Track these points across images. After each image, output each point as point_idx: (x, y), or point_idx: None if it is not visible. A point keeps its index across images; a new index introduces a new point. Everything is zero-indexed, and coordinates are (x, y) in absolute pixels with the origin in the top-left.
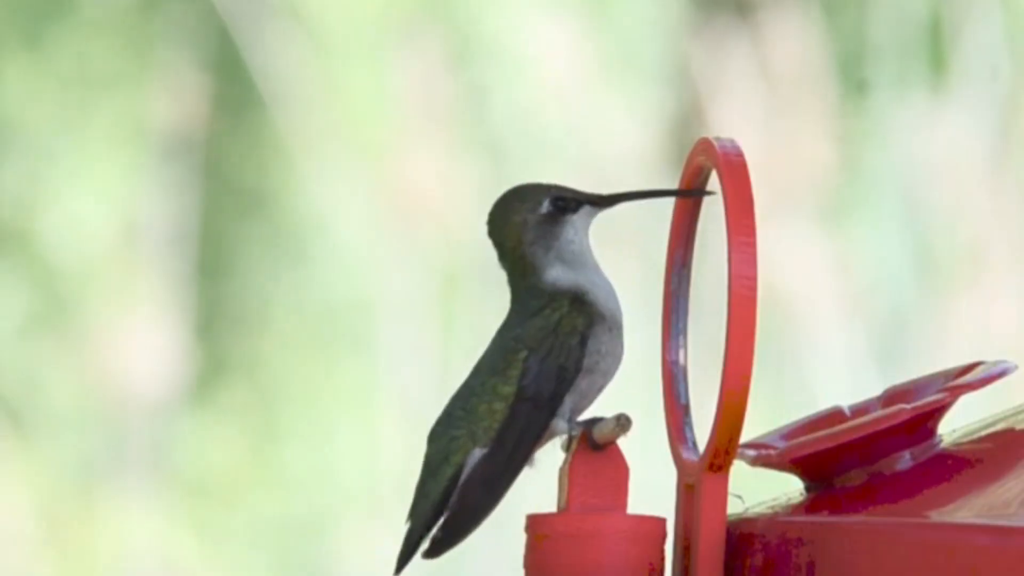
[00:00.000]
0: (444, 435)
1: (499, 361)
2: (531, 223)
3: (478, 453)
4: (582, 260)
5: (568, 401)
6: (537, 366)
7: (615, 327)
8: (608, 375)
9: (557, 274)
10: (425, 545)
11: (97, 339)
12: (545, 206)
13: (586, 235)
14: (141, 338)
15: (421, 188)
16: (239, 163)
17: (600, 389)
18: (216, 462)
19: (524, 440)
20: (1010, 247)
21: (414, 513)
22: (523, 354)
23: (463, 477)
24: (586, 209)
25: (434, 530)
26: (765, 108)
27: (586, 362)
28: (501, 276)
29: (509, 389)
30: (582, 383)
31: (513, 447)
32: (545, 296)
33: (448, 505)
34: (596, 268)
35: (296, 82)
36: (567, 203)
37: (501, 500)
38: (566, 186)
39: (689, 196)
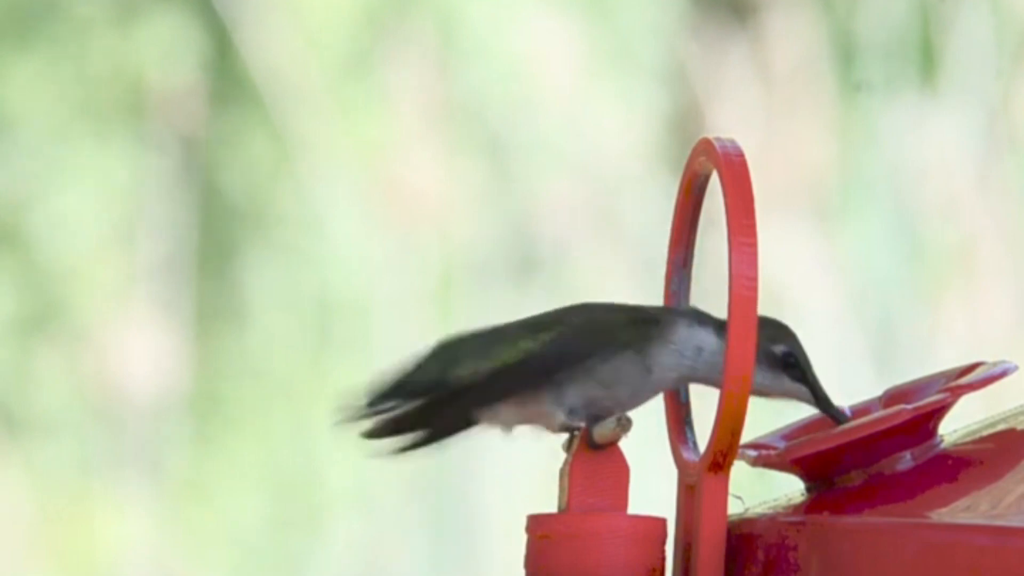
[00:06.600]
0: (452, 350)
1: (541, 324)
2: (761, 354)
3: (468, 377)
4: (700, 367)
5: (572, 393)
6: (564, 341)
7: (649, 381)
8: (616, 402)
9: (683, 332)
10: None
11: (93, 339)
12: (780, 350)
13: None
14: (137, 338)
15: (418, 187)
16: (236, 162)
17: (601, 408)
18: (211, 462)
19: (508, 388)
20: (1002, 246)
21: (374, 390)
22: (562, 328)
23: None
24: (796, 387)
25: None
26: (762, 108)
27: (602, 369)
28: (497, 276)
29: (531, 346)
30: (589, 384)
31: (497, 387)
32: (635, 311)
33: (416, 405)
34: (687, 371)
35: (293, 81)
36: (795, 369)
37: (454, 431)
38: (811, 365)
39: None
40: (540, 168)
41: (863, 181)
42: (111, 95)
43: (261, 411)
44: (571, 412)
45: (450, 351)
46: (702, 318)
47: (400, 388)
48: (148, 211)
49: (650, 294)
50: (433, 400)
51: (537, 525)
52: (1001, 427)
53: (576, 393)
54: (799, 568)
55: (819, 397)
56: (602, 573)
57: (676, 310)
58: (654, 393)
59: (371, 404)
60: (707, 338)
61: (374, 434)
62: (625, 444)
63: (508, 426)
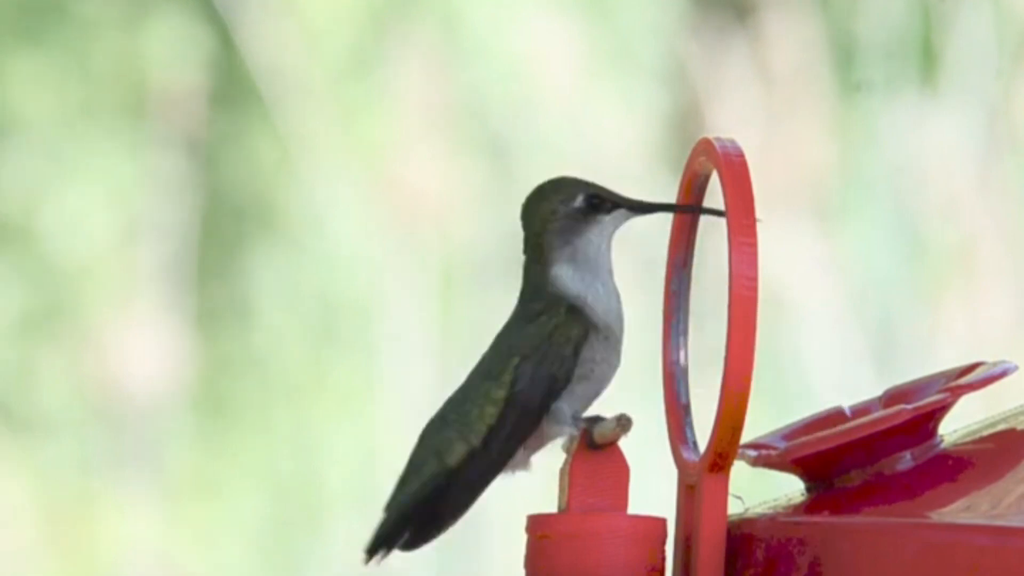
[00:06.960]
0: (436, 435)
1: (494, 366)
2: (560, 214)
3: (465, 453)
4: (596, 263)
5: (566, 407)
6: (530, 373)
7: (611, 336)
8: (603, 382)
9: (564, 273)
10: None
11: (95, 338)
12: (579, 200)
13: (609, 239)
14: (139, 337)
15: (419, 187)
16: (238, 162)
17: (596, 395)
18: (213, 461)
19: (509, 444)
20: (1002, 246)
21: (391, 505)
22: (516, 360)
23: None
24: (620, 212)
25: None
26: (762, 108)
27: (579, 370)
28: (498, 276)
29: (501, 394)
30: (577, 388)
31: (498, 451)
32: (543, 300)
33: (428, 501)
34: (608, 273)
35: (295, 81)
36: (602, 202)
37: (477, 500)
38: (606, 188)
39: (714, 215)
40: (540, 168)
41: (863, 181)
42: (114, 95)
43: (263, 410)
44: (574, 419)
45: (435, 438)
46: (546, 257)
47: (407, 503)
48: (151, 210)
49: (650, 294)
50: (441, 494)
51: (537, 525)
52: (1001, 427)
53: (569, 401)
54: (799, 568)
55: (636, 205)
56: (602, 573)
57: (546, 262)
58: (617, 350)
59: (384, 541)
60: (566, 269)
61: (408, 547)
62: (625, 444)
63: (524, 464)
